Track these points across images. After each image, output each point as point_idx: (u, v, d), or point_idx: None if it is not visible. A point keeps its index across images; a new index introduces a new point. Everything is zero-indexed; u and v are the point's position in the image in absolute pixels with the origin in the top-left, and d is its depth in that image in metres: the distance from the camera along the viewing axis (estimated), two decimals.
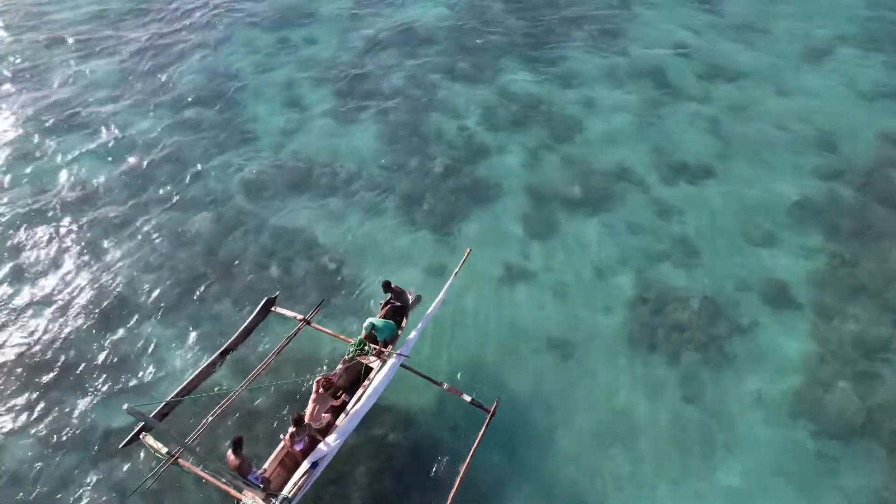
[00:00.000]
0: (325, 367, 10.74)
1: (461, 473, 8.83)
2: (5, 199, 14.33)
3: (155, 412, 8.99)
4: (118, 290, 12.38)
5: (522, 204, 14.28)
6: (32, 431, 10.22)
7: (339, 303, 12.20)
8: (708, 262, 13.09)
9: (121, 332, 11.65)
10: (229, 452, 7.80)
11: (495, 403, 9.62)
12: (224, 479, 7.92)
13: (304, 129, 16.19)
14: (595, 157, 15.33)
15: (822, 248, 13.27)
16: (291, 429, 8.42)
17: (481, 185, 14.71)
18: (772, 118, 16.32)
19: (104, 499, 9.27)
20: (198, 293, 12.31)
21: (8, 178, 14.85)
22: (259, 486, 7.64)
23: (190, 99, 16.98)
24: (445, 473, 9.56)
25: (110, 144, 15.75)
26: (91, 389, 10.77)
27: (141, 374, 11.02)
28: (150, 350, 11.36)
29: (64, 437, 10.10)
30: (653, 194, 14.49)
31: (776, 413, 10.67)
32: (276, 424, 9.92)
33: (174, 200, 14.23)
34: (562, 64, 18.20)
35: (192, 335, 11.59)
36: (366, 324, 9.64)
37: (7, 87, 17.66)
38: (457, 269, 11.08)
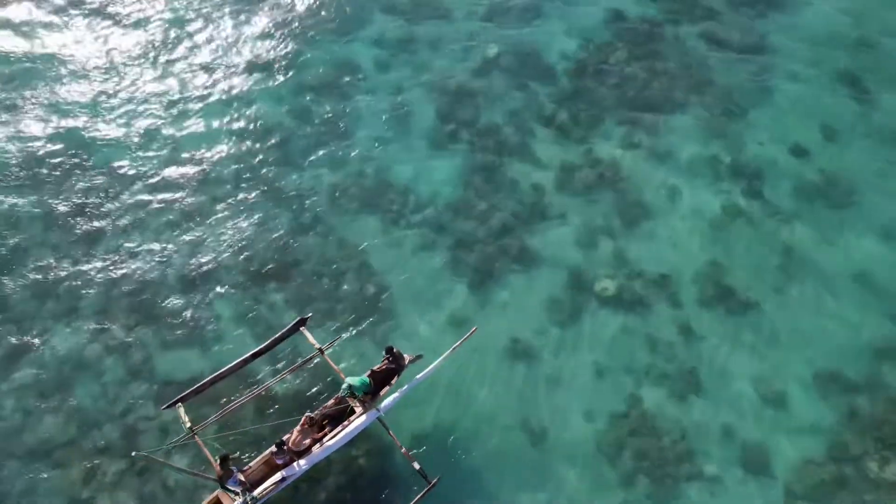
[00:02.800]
0: (321, 398, 13.01)
1: None
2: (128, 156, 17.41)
3: (189, 390, 11.92)
4: (197, 259, 15.27)
5: (558, 284, 15.21)
6: (111, 363, 13.71)
7: (365, 329, 14.33)
8: (703, 404, 13.62)
9: (194, 297, 14.66)
10: (217, 463, 10.49)
11: (437, 479, 11.55)
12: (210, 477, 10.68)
13: (396, 144, 17.68)
14: (648, 257, 15.65)
15: (834, 439, 13.17)
16: (274, 448, 10.98)
17: (529, 252, 15.71)
18: (859, 267, 15.46)
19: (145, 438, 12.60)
20: (260, 283, 14.96)
21: (134, 138, 17.78)
22: (234, 491, 10.35)
23: (310, 86, 18.85)
24: None
25: (229, 120, 18.16)
26: (154, 343, 13.98)
27: (201, 339, 14.06)
28: (209, 320, 14.28)
29: (131, 375, 13.48)
30: (685, 313, 14.81)
31: None
32: (274, 431, 12.30)
33: (267, 188, 16.67)
34: (663, 137, 17.87)
35: (245, 319, 14.34)
36: (344, 385, 11.68)
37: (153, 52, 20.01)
38: (456, 345, 12.60)
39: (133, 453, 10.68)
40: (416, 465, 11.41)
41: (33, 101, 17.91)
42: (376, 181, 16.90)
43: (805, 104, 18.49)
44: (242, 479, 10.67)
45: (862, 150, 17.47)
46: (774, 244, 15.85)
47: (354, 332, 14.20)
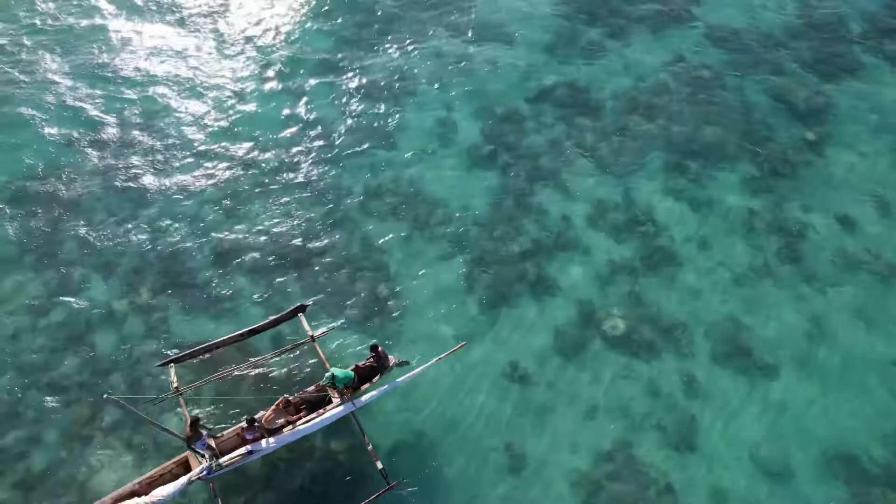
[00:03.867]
0: (305, 383, 13.43)
1: None
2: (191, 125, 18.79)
3: (183, 353, 12.67)
4: (229, 238, 16.10)
5: (568, 315, 15.11)
6: (133, 319, 14.66)
7: (367, 328, 14.67)
8: (697, 461, 13.11)
9: (219, 271, 15.47)
10: (187, 426, 11.03)
11: (396, 482, 11.77)
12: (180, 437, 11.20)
13: (436, 157, 18.12)
14: (665, 303, 15.32)
15: None
16: (244, 424, 11.44)
17: (546, 280, 15.70)
18: None
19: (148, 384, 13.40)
20: (282, 268, 15.64)
21: (195, 117, 19.20)
22: (200, 454, 10.89)
23: (366, 91, 19.63)
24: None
25: (285, 110, 19.19)
26: (175, 307, 14.84)
27: (216, 311, 14.82)
28: (227, 296, 15.02)
29: (147, 333, 14.37)
30: (694, 365, 14.36)
31: None
32: (256, 405, 12.77)
33: (307, 181, 17.42)
34: (705, 186, 17.53)
35: (260, 300, 15.03)
36: (327, 374, 11.97)
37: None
38: (442, 356, 12.77)
39: (104, 395, 11.31)
40: (379, 465, 11.58)
41: (114, 73, 19.63)
42: (410, 189, 17.39)
43: (861, 175, 17.70)
44: (212, 444, 11.18)
45: None
46: (803, 311, 15.16)
47: (356, 328, 14.59)
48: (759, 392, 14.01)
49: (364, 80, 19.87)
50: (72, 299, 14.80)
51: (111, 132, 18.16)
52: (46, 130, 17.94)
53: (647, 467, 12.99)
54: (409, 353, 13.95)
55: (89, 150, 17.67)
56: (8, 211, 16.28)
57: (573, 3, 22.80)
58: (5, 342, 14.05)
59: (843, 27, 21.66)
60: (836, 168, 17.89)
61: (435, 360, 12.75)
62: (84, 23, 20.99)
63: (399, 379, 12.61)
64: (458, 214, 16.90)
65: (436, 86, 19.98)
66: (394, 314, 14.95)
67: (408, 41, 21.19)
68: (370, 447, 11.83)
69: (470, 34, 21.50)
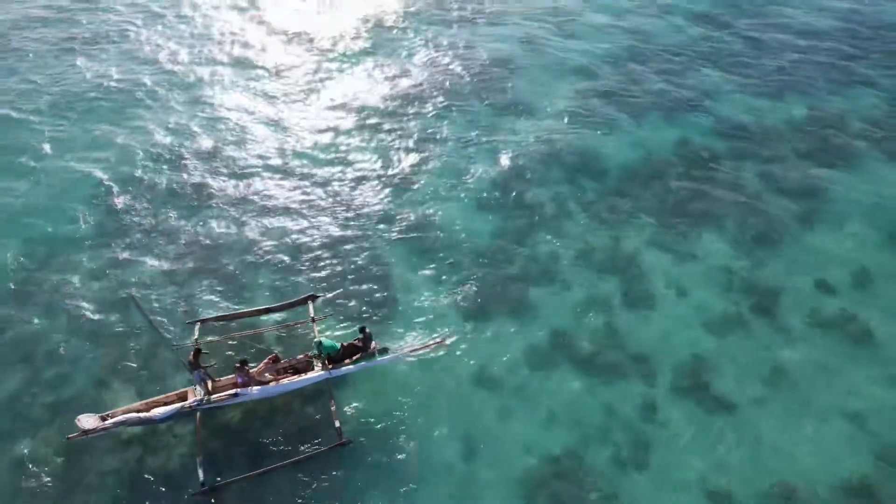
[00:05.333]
0: (294, 349, 15.47)
1: (290, 461, 13.02)
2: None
3: (210, 317, 15.07)
4: (260, 236, 18.90)
5: (542, 335, 16.40)
6: (168, 290, 17.31)
7: (364, 320, 16.53)
8: (643, 481, 13.63)
9: (247, 261, 18.12)
10: (191, 354, 13.13)
11: (347, 440, 13.35)
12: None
13: (451, 197, 20.65)
14: (635, 336, 16.39)
15: None
16: (237, 365, 13.40)
17: (527, 303, 17.21)
18: (855, 407, 14.82)
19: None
20: (299, 266, 18.07)
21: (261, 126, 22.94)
22: (196, 381, 12.88)
23: (396, 130, 23.01)
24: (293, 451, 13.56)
25: (336, 137, 22.72)
26: (204, 287, 17.43)
27: (237, 293, 17.26)
28: (248, 284, 17.48)
29: (177, 302, 16.91)
30: (654, 394, 15.15)
31: None
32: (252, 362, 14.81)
33: (338, 200, 20.31)
34: (690, 243, 18.86)
35: (276, 288, 17.37)
36: (315, 341, 13.92)
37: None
38: (416, 348, 14.56)
39: (127, 293, 14.05)
40: (337, 423, 13.12)
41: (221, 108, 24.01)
42: (422, 219, 19.78)
43: (846, 251, 18.57)
44: (208, 382, 13.16)
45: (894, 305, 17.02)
46: (768, 359, 15.79)
47: (352, 321, 16.50)
48: (713, 425, 14.54)
49: (392, 124, 23.23)
50: (123, 268, 17.78)
51: (200, 149, 22.11)
52: (146, 140, 22.13)
53: (593, 476, 13.65)
54: (392, 344, 15.66)
55: (169, 163, 21.56)
56: (95, 201, 20.05)
57: (595, 83, 25.88)
58: (64, 297, 17.01)
59: (844, 123, 23.31)
60: (821, 241, 18.88)
61: (409, 349, 14.45)
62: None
63: (377, 359, 14.34)
64: (459, 243, 18.98)
65: (461, 141, 22.98)
66: (387, 314, 16.82)
67: (443, 104, 24.70)
68: (333, 408, 13.43)
69: (499, 102, 24.80)
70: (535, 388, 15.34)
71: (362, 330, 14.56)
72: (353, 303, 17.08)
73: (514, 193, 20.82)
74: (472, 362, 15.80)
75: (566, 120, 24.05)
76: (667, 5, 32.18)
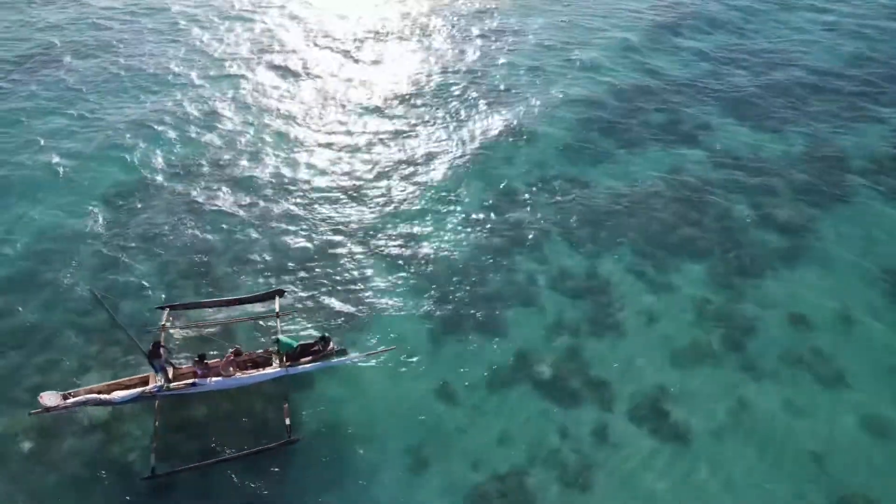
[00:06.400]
0: (257, 343, 16.24)
1: (239, 454, 13.55)
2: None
3: (177, 303, 16.14)
4: (260, 247, 19.83)
5: (505, 355, 16.57)
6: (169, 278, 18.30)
7: (331, 323, 17.10)
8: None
9: (245, 263, 19.02)
10: (151, 346, 13.90)
11: (296, 438, 13.81)
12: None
13: (437, 214, 21.22)
14: (598, 361, 16.42)
15: None
16: (196, 359, 14.10)
17: (495, 322, 17.46)
18: (818, 448, 14.44)
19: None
20: (289, 270, 18.86)
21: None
22: (156, 370, 13.64)
23: (427, 155, 23.82)
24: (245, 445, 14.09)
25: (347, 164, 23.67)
26: (194, 283, 18.36)
27: (233, 286, 18.13)
28: (237, 279, 18.37)
29: (179, 281, 17.86)
30: (609, 419, 15.12)
31: None
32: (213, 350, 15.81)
33: (327, 217, 21.15)
34: (667, 273, 18.76)
35: (262, 286, 18.13)
36: (274, 339, 14.52)
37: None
38: (370, 353, 15.27)
39: (89, 288, 15.02)
40: (287, 421, 13.61)
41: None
42: (404, 229, 20.41)
43: (828, 289, 18.17)
44: (168, 371, 13.90)
45: (874, 343, 16.53)
46: (733, 393, 15.56)
47: (317, 321, 17.14)
48: (667, 453, 14.40)
49: (400, 152, 24.08)
50: (151, 244, 18.96)
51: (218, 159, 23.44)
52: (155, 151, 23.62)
53: (537, 497, 13.67)
54: (355, 350, 16.16)
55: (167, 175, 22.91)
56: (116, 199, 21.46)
57: (594, 113, 26.24)
58: (62, 288, 18.19)
59: (844, 160, 22.92)
60: (804, 278, 18.55)
61: (363, 355, 14.98)
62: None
63: (333, 360, 14.85)
64: (439, 260, 19.44)
65: (455, 159, 23.61)
66: (353, 320, 17.34)
67: (443, 123, 25.46)
68: (286, 405, 13.95)
69: (497, 126, 25.41)
70: (491, 406, 15.51)
71: (324, 338, 15.14)
72: (322, 305, 17.73)
73: (499, 213, 21.22)
74: (433, 376, 16.11)
75: (561, 146, 24.38)
76: (677, 42, 32.36)
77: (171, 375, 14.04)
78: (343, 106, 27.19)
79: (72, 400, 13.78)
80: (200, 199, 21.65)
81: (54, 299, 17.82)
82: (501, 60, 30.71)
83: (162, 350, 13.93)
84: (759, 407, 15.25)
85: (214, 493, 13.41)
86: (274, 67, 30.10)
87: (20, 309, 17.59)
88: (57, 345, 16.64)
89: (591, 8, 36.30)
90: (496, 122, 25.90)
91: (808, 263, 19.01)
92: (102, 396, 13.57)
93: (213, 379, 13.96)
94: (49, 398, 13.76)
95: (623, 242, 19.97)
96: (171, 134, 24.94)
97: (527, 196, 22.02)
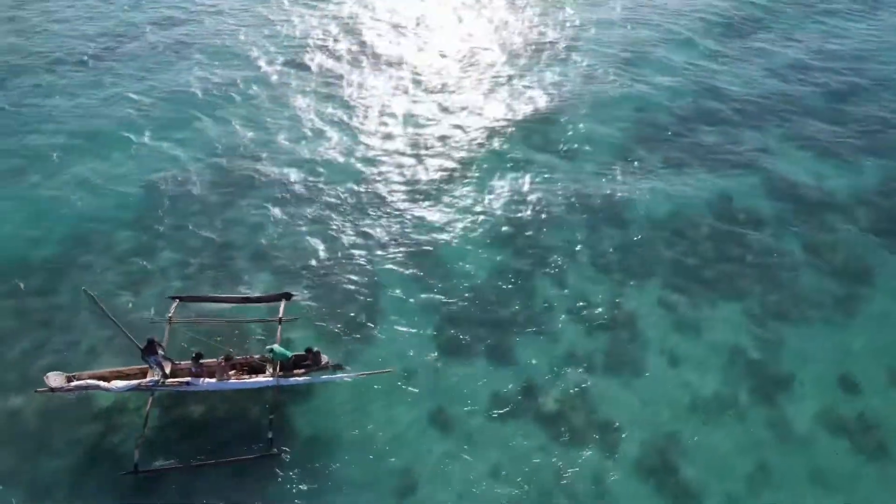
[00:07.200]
0: (255, 345, 16.07)
1: (219, 461, 13.51)
2: None
3: (187, 295, 16.30)
4: (275, 246, 19.77)
5: (510, 384, 15.73)
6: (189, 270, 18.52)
7: (336, 334, 16.75)
8: None
9: (258, 265, 19.01)
10: (146, 342, 13.95)
11: (276, 451, 13.62)
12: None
13: (463, 230, 20.48)
14: (609, 401, 15.34)
15: None
16: (193, 355, 14.18)
17: (505, 349, 16.59)
18: None
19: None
20: (294, 273, 18.67)
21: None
22: (151, 365, 13.71)
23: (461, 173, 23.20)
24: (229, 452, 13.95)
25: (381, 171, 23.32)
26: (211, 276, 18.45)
27: (235, 281, 18.14)
28: (248, 277, 18.34)
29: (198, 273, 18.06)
30: (611, 466, 14.06)
31: None
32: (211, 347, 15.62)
33: (354, 223, 20.83)
34: (699, 312, 17.31)
35: (268, 287, 18.01)
36: (268, 347, 14.28)
37: None
38: (365, 373, 14.85)
39: (83, 288, 15.61)
40: (270, 434, 13.41)
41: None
42: (426, 242, 19.66)
43: (884, 347, 16.21)
44: (165, 366, 13.97)
45: None
46: (754, 454, 14.11)
47: (321, 332, 16.81)
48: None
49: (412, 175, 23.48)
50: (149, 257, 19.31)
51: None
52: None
53: None
54: (351, 365, 15.73)
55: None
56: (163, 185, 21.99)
57: (644, 127, 24.70)
58: (90, 274, 18.73)
59: None
60: (857, 332, 16.63)
61: (357, 374, 14.64)
62: None
63: (324, 377, 14.53)
64: (455, 276, 18.66)
65: (488, 172, 22.70)
66: (359, 334, 16.88)
67: (483, 130, 24.65)
68: (272, 417, 13.71)
69: (541, 136, 24.33)
70: (487, 436, 14.73)
71: (312, 351, 14.85)
72: (329, 314, 17.33)
73: (526, 232, 20.21)
74: (431, 398, 15.48)
75: (602, 165, 23.03)
76: (749, 52, 30.01)
77: (168, 371, 14.11)
78: (392, 109, 26.52)
79: (75, 383, 14.15)
80: (234, 190, 21.73)
81: (82, 282, 18.32)
82: (557, 58, 29.43)
83: (158, 346, 14.00)
84: (784, 474, 13.74)
85: (193, 497, 13.35)
86: (335, 57, 29.82)
87: (54, 288, 18.12)
88: (77, 325, 17.10)
89: (658, 7, 34.28)
90: (537, 131, 24.80)
91: (863, 317, 17.03)
92: (102, 384, 13.87)
93: (206, 380, 13.92)
94: (54, 379, 14.20)
95: (654, 273, 18.57)
96: (224, 119, 25.13)
97: (558, 213, 20.89)
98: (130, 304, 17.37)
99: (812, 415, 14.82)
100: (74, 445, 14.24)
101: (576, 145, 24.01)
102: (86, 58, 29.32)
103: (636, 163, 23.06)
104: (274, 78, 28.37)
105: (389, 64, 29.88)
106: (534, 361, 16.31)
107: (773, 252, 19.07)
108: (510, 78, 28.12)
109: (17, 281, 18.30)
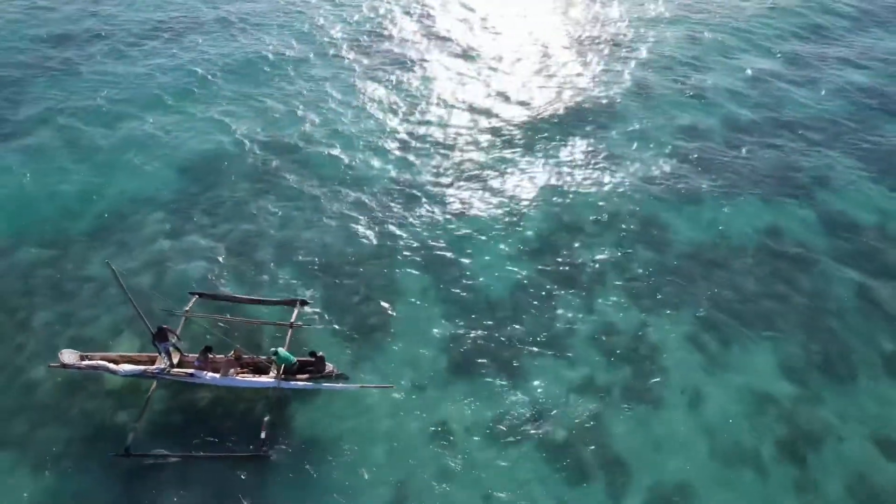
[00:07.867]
0: (262, 347, 15.92)
1: (208, 455, 13.54)
2: None
3: (206, 293, 16.41)
4: (298, 247, 19.65)
5: (518, 408, 15.09)
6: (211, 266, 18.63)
7: (346, 341, 16.47)
8: None
9: (280, 264, 18.96)
10: (157, 328, 14.03)
11: (266, 453, 13.53)
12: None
13: (492, 242, 19.82)
14: (622, 437, 14.48)
15: None
16: (203, 348, 14.22)
17: (518, 370, 15.94)
18: None
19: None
20: (314, 275, 18.50)
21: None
22: (160, 352, 13.81)
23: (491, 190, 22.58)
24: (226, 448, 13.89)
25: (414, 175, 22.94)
26: (235, 271, 18.49)
27: (257, 281, 18.13)
28: (277, 278, 18.30)
29: (215, 273, 18.17)
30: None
31: None
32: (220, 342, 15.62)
33: (379, 224, 20.51)
34: (732, 351, 16.19)
35: (288, 288, 17.92)
36: (272, 350, 14.16)
37: None
38: (366, 385, 14.66)
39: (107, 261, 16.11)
40: (263, 434, 13.31)
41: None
42: (453, 252, 19.12)
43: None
44: (175, 356, 14.05)
45: None
46: None
47: (332, 338, 16.53)
48: None
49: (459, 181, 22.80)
50: (180, 240, 19.50)
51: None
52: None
53: None
54: (357, 374, 15.45)
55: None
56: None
57: (697, 145, 23.39)
58: (119, 251, 19.08)
59: None
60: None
61: (358, 385, 14.41)
62: None
63: (325, 384, 14.37)
64: (478, 289, 18.06)
65: (527, 180, 22.02)
66: (370, 343, 16.49)
67: (528, 140, 23.81)
68: (266, 418, 13.62)
69: (588, 148, 23.40)
70: (486, 460, 14.15)
71: (317, 356, 14.61)
72: (342, 318, 17.06)
73: (556, 249, 19.38)
74: (436, 412, 15.03)
75: (648, 179, 21.90)
76: (817, 73, 27.92)
77: (176, 361, 14.20)
78: (441, 106, 26.14)
79: (85, 363, 14.45)
80: (270, 178, 21.85)
81: (113, 258, 18.67)
82: (611, 75, 28.23)
83: (169, 334, 14.08)
84: None
85: (180, 486, 13.35)
86: (384, 55, 29.68)
87: (86, 262, 18.56)
88: (103, 301, 17.48)
89: (725, 23, 32.41)
90: (586, 142, 23.79)
91: None
92: (111, 366, 14.12)
93: (210, 374, 13.93)
94: (68, 356, 14.53)
95: (687, 303, 17.47)
96: (268, 111, 25.33)
97: (592, 229, 19.98)
98: (152, 290, 17.42)
99: (844, 482, 13.56)
100: (79, 419, 14.48)
101: (621, 155, 22.98)
102: (160, 31, 30.20)
103: (683, 180, 21.82)
104: (333, 60, 28.46)
105: (452, 54, 29.37)
106: (547, 385, 15.61)
107: (823, 295, 17.60)
108: (566, 78, 27.22)
109: (55, 251, 18.84)
